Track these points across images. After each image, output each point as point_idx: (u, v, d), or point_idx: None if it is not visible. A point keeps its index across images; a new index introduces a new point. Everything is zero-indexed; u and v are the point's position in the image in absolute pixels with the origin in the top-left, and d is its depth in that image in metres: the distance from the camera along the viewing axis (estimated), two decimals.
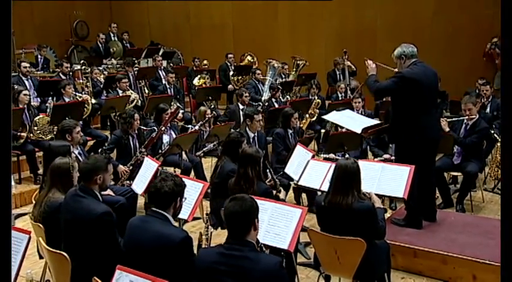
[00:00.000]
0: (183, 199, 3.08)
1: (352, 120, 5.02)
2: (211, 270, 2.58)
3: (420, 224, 4.85)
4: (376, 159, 6.10)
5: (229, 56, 11.19)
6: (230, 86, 10.64)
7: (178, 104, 8.31)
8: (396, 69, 4.79)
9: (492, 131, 6.55)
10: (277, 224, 3.35)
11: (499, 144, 6.56)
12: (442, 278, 4.32)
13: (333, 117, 5.21)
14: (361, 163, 3.76)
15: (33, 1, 10.66)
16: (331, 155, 6.12)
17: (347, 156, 5.69)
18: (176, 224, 3.28)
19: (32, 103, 7.19)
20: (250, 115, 6.04)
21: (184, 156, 6.19)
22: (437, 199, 5.66)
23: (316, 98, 9.00)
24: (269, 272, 2.50)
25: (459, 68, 10.37)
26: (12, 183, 6.05)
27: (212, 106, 8.71)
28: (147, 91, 9.31)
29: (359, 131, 4.83)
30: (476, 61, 10.39)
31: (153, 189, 2.98)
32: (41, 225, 3.56)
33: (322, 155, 6.20)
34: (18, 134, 6.32)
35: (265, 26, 12.56)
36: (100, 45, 11.67)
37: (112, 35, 12.39)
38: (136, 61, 10.77)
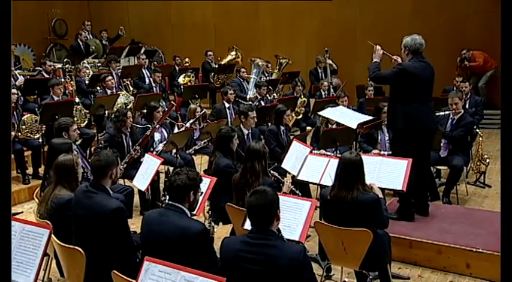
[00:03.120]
0: (199, 193, 3.14)
1: (347, 116, 5.14)
2: (238, 258, 2.65)
3: (412, 216, 4.98)
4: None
5: (209, 53, 11.17)
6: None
7: (172, 102, 8.30)
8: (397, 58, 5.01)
9: (475, 126, 6.80)
10: (287, 216, 3.40)
11: (480, 138, 6.84)
12: (437, 267, 4.46)
13: (328, 113, 5.32)
14: None
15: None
16: (322, 151, 6.23)
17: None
18: None
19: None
20: (245, 112, 6.09)
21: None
22: None
23: (302, 96, 9.13)
24: (295, 260, 2.58)
25: (436, 67, 10.57)
26: None
27: (198, 104, 8.72)
28: (131, 89, 9.26)
29: (354, 127, 4.95)
30: (452, 60, 10.67)
31: (168, 183, 3.04)
32: (48, 222, 3.55)
33: (313, 151, 6.29)
34: None
35: (247, 25, 12.61)
36: (81, 44, 11.52)
37: (86, 33, 12.24)
38: (117, 59, 10.66)
